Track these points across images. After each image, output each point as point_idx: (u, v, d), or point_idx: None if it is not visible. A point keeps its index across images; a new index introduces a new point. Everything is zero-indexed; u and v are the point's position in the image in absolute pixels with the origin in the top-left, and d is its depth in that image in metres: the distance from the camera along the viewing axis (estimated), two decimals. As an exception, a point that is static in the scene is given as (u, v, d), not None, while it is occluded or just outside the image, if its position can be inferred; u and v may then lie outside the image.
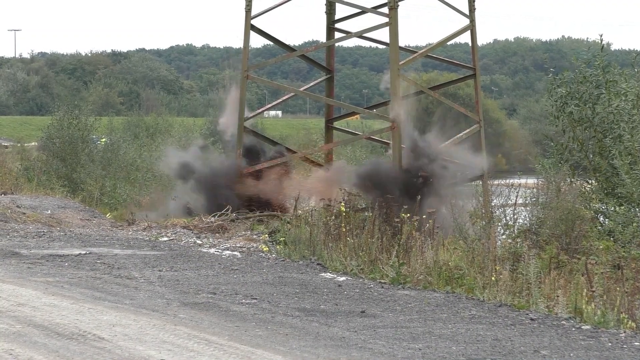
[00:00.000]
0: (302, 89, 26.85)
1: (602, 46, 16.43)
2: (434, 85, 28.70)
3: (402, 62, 23.06)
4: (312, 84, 27.36)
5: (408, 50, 27.84)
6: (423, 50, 24.48)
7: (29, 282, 13.08)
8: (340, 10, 25.90)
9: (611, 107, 16.26)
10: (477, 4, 23.95)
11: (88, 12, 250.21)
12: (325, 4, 25.86)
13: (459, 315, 11.27)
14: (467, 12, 24.16)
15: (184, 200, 23.44)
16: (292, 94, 28.38)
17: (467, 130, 24.18)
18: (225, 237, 18.79)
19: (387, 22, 22.73)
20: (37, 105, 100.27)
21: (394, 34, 22.53)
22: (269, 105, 27.39)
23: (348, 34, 25.94)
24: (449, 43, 26.03)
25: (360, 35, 25.07)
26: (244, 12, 24.24)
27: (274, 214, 21.92)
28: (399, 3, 22.54)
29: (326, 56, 26.76)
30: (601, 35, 16.35)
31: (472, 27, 24.04)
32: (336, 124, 27.50)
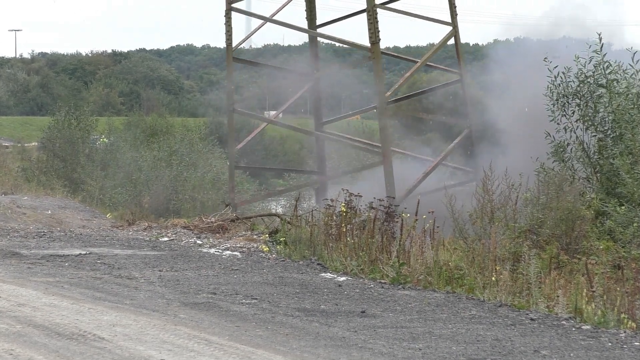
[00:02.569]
0: (291, 100, 26.67)
1: (602, 45, 16.44)
2: (431, 87, 28.49)
3: (389, 92, 22.81)
4: (297, 95, 27.09)
5: (397, 56, 27.62)
6: (408, 74, 23.95)
7: (29, 282, 13.09)
8: (322, 16, 25.80)
9: (612, 107, 16.26)
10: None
11: (88, 12, 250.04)
12: (305, 10, 25.65)
13: (459, 315, 11.27)
14: (449, 18, 23.95)
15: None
16: (267, 123, 27.65)
17: (458, 138, 24.12)
18: (226, 237, 18.79)
19: (370, 57, 22.49)
20: (38, 106, 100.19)
21: (377, 68, 22.27)
22: (259, 129, 26.95)
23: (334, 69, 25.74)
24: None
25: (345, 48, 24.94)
26: (225, 46, 24.00)
27: (274, 214, 21.92)
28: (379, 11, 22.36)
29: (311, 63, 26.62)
30: (600, 34, 16.36)
31: (455, 33, 23.89)
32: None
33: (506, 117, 24.20)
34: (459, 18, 24.09)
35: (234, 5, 23.58)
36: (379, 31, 21.95)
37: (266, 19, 24.49)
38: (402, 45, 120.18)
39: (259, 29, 24.92)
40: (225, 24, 23.81)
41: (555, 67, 16.89)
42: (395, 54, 26.89)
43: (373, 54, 22.02)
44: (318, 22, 25.62)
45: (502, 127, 24.45)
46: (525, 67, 22.54)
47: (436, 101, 27.65)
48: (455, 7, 23.83)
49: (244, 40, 24.88)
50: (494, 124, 25.21)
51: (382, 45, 22.46)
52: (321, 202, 21.44)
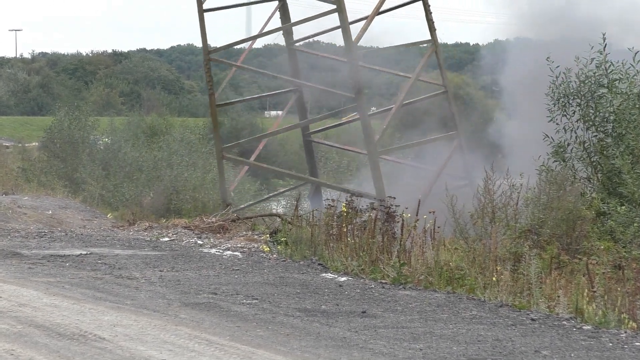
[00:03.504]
0: (285, 108, 26.93)
1: (605, 45, 16.45)
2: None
3: (378, 136, 23.02)
4: (286, 108, 27.39)
5: (383, 70, 27.51)
6: (394, 110, 23.98)
7: (30, 283, 13.09)
8: (298, 33, 26.03)
9: (612, 107, 16.27)
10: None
11: (88, 12, 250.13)
12: (281, 23, 25.88)
13: (459, 316, 11.27)
14: (429, 35, 24.13)
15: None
16: (248, 166, 27.70)
17: (450, 150, 24.33)
18: (226, 238, 18.79)
19: (354, 117, 22.60)
20: (38, 106, 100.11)
21: (363, 113, 22.37)
22: (242, 172, 27.05)
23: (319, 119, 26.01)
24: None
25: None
26: (208, 97, 24.47)
27: (274, 215, 21.93)
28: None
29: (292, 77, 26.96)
30: (604, 34, 16.35)
31: (436, 48, 24.09)
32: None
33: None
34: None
35: (212, 56, 24.23)
36: (362, 84, 22.18)
37: (238, 67, 25.19)
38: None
39: (231, 75, 25.74)
40: (205, 73, 24.45)
41: (557, 67, 16.89)
42: (381, 69, 26.85)
43: (360, 107, 22.25)
44: (295, 37, 25.79)
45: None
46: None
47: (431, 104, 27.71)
48: (433, 22, 24.10)
49: (221, 89, 25.57)
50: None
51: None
52: (315, 206, 21.53)
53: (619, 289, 11.38)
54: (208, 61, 24.00)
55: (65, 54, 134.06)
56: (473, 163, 23.07)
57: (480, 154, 23.16)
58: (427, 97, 25.70)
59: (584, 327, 10.68)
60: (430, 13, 23.98)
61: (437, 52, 24.06)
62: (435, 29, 24.00)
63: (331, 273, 14.52)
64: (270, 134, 25.58)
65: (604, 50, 16.44)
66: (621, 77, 16.37)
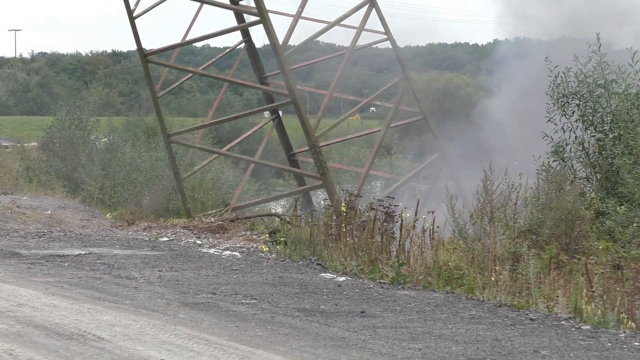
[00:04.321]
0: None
1: (599, 45, 16.48)
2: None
3: (375, 150, 23.49)
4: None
5: (366, 101, 27.70)
6: (372, 155, 24.35)
7: (29, 282, 13.09)
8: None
9: (610, 107, 16.28)
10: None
11: (88, 12, 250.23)
12: (249, 56, 26.40)
13: (458, 316, 11.28)
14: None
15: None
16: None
17: (438, 173, 24.84)
18: (225, 238, 18.79)
19: (321, 184, 22.95)
20: (37, 105, 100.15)
21: (330, 192, 22.57)
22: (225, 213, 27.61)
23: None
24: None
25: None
26: (174, 175, 25.30)
27: (273, 214, 21.93)
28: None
29: (265, 99, 27.26)
30: (598, 34, 16.37)
31: (409, 85, 24.52)
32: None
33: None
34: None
35: (172, 138, 25.15)
36: (326, 166, 22.49)
37: (198, 148, 26.52)
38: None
39: (190, 156, 26.75)
40: (168, 154, 25.56)
41: (555, 67, 16.90)
42: (360, 99, 27.16)
43: (323, 182, 22.54)
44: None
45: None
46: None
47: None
48: (403, 60, 24.72)
49: (184, 165, 26.31)
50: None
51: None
52: (305, 209, 21.63)
53: (617, 288, 11.38)
54: (169, 143, 24.86)
55: (65, 54, 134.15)
56: (463, 171, 23.45)
57: (475, 159, 23.38)
58: (406, 123, 26.38)
59: (582, 327, 10.68)
60: (399, 50, 24.68)
61: (411, 88, 24.70)
62: (405, 66, 24.72)
63: (330, 273, 14.53)
64: (245, 206, 25.65)
65: (599, 50, 16.46)
66: (616, 78, 16.38)
